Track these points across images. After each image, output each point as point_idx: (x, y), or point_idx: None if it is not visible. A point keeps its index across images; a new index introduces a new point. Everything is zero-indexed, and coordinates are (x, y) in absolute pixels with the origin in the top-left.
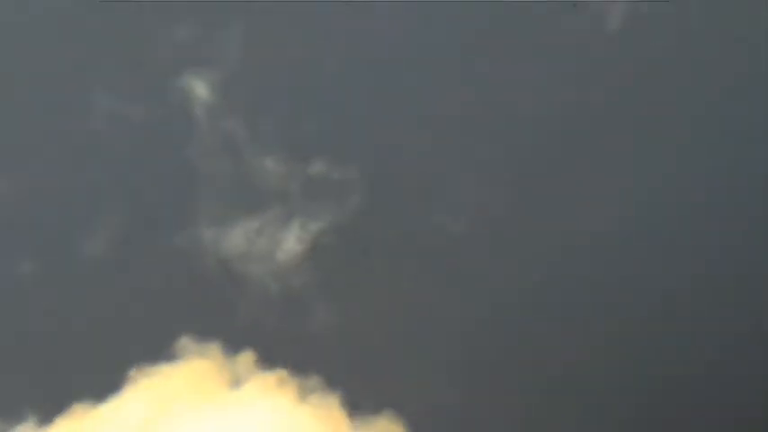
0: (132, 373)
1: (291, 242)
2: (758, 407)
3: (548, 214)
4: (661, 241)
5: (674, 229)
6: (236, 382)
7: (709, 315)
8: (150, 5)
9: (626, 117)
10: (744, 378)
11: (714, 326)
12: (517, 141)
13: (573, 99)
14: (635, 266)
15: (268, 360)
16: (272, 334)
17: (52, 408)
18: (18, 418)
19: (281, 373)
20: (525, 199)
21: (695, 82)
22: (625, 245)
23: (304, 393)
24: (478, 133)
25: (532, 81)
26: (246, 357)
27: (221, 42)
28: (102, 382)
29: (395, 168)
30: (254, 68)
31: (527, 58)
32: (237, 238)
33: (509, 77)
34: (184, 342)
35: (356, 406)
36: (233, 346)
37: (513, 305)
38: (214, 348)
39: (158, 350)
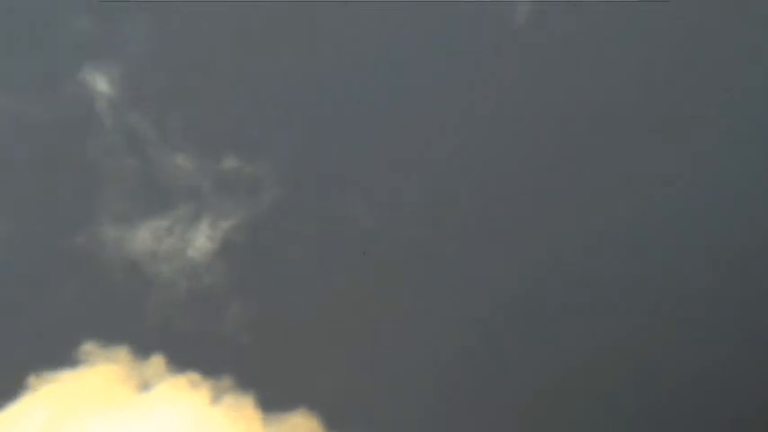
0: (31, 379)
1: (202, 240)
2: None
3: (460, 207)
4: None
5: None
6: (145, 387)
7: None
8: None
9: (533, 111)
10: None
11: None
12: (430, 135)
13: (484, 93)
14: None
15: (179, 362)
16: (184, 335)
17: None
18: None
19: (193, 375)
20: (441, 193)
21: (606, 78)
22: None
23: (217, 394)
24: (390, 128)
25: (443, 76)
26: (156, 361)
27: (125, 34)
28: None
29: (309, 163)
30: (160, 62)
31: (437, 53)
32: (145, 237)
33: (419, 72)
34: (88, 347)
35: (271, 404)
36: (142, 349)
37: (427, 297)
38: (121, 352)
39: (60, 356)
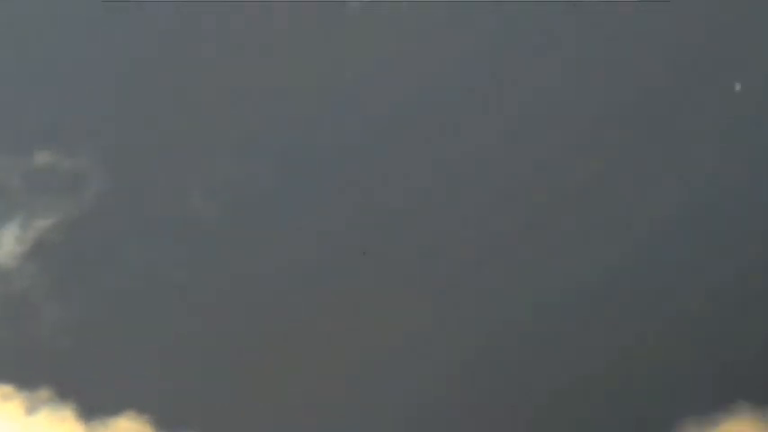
0: None
1: (10, 242)
2: None
3: (300, 189)
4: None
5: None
6: None
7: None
8: None
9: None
10: None
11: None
12: (274, 117)
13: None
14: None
15: None
16: None
17: None
18: None
19: (4, 388)
20: (281, 177)
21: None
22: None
23: (34, 406)
24: (231, 110)
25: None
26: None
27: None
28: None
29: (137, 153)
30: None
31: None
32: None
33: (253, 57)
34: None
35: (95, 410)
36: None
37: (269, 287)
38: None
39: None
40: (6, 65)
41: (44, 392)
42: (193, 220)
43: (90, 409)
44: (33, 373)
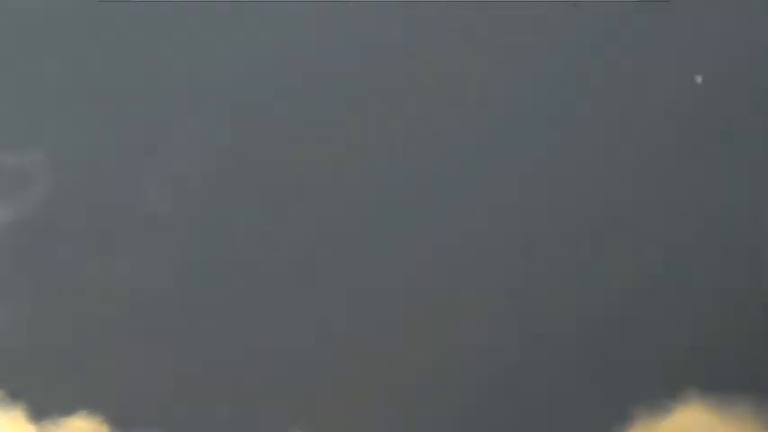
0: None
1: None
2: None
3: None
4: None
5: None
6: None
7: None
8: None
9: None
10: None
11: None
12: (218, 112)
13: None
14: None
15: None
16: None
17: None
18: None
19: None
20: (224, 173)
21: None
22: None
23: None
24: (178, 102)
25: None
26: None
27: None
28: None
29: (86, 149)
30: None
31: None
32: None
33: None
34: None
35: (47, 411)
36: None
37: (225, 287)
38: None
39: None
40: None
41: None
42: (149, 216)
43: (42, 410)
44: None
